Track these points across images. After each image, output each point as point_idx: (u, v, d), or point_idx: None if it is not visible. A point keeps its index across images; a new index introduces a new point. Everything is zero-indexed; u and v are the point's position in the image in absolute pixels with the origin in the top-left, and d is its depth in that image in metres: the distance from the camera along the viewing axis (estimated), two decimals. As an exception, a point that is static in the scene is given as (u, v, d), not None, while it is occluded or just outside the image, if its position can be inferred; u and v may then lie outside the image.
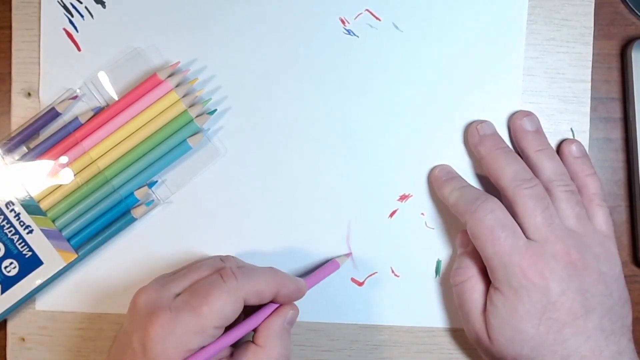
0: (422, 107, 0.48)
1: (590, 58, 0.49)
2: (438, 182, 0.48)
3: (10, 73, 0.48)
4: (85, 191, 0.46)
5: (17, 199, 0.46)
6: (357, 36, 0.48)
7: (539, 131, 0.47)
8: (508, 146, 0.47)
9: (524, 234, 0.43)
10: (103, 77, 0.47)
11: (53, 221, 0.46)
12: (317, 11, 0.48)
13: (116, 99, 0.47)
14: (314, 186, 0.48)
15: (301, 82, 0.48)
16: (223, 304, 0.40)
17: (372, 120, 0.48)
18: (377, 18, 0.48)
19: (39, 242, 0.46)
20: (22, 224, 0.46)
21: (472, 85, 0.48)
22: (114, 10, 0.48)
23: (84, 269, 0.48)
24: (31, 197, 0.46)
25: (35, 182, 0.46)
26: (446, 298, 0.49)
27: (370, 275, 0.49)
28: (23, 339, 0.48)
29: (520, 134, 0.47)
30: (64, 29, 0.48)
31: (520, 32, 0.48)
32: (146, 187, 0.47)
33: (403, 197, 0.49)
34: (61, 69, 0.48)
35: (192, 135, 0.47)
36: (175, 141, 0.46)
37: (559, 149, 0.48)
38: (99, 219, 0.47)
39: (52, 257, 0.46)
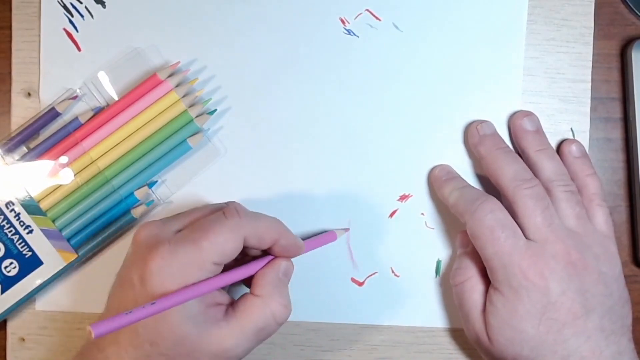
0: (422, 107, 0.48)
1: (590, 58, 0.49)
2: (438, 182, 0.48)
3: (10, 73, 0.48)
4: (85, 191, 0.46)
5: (17, 199, 0.46)
6: (357, 36, 0.48)
7: (539, 131, 0.47)
8: (508, 146, 0.47)
9: (524, 234, 0.43)
10: (103, 77, 0.47)
11: (53, 221, 0.46)
12: (317, 11, 0.48)
13: (116, 99, 0.47)
14: (314, 186, 0.48)
15: (301, 82, 0.48)
16: (224, 240, 0.40)
17: (372, 120, 0.48)
18: (377, 18, 0.48)
19: (39, 242, 0.46)
20: (22, 224, 0.46)
21: (472, 85, 0.48)
22: (114, 10, 0.48)
23: (84, 269, 0.48)
24: (31, 197, 0.46)
25: (35, 182, 0.46)
26: (446, 298, 0.49)
27: (370, 275, 0.49)
28: (23, 339, 0.48)
29: (521, 133, 0.47)
30: (64, 29, 0.48)
31: (520, 32, 0.48)
32: (146, 187, 0.47)
33: (403, 197, 0.49)
34: (61, 69, 0.48)
35: (192, 135, 0.47)
36: (175, 141, 0.46)
37: (559, 149, 0.48)
38: (99, 219, 0.47)
39: (52, 257, 0.46)
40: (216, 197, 0.48)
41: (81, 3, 0.48)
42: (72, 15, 0.48)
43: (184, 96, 0.46)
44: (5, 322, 0.48)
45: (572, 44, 0.49)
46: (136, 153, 0.46)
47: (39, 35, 0.48)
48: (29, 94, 0.48)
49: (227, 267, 0.42)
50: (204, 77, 0.48)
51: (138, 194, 0.47)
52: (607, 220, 0.46)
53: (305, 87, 0.48)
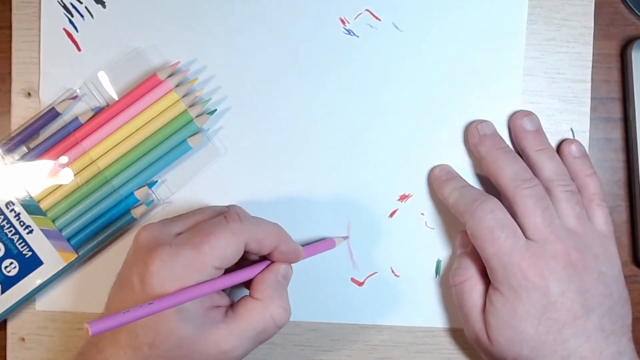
0: (422, 107, 0.48)
1: (590, 58, 0.49)
2: (438, 182, 0.48)
3: (10, 73, 0.48)
4: (85, 191, 0.46)
5: (17, 199, 0.46)
6: (357, 36, 0.48)
7: (539, 131, 0.47)
8: (508, 146, 0.47)
9: (524, 234, 0.43)
10: (103, 77, 0.47)
11: (53, 221, 0.46)
12: (317, 11, 0.48)
13: (116, 99, 0.47)
14: (314, 186, 0.48)
15: (301, 82, 0.48)
16: (225, 244, 0.40)
17: (372, 120, 0.48)
18: (377, 18, 0.48)
19: (39, 242, 0.46)
20: (22, 224, 0.46)
21: (472, 85, 0.48)
22: (114, 10, 0.48)
23: (84, 269, 0.48)
24: (31, 197, 0.46)
25: (35, 182, 0.46)
26: (446, 298, 0.49)
27: (370, 275, 0.49)
28: (23, 339, 0.48)
29: (521, 133, 0.47)
30: (64, 29, 0.48)
31: (520, 32, 0.48)
32: (146, 187, 0.47)
33: (403, 197, 0.49)
34: (61, 69, 0.48)
35: (192, 135, 0.47)
36: (175, 141, 0.46)
37: (559, 149, 0.48)
38: (99, 219, 0.47)
39: (52, 257, 0.46)
40: (216, 198, 0.48)
41: (81, 3, 0.48)
42: (72, 15, 0.48)
43: (184, 96, 0.46)
44: (5, 322, 0.48)
45: (572, 44, 0.49)
46: (136, 153, 0.46)
47: (39, 35, 0.48)
48: (29, 94, 0.48)
49: (227, 270, 0.42)
50: (204, 77, 0.48)
51: (138, 194, 0.47)
52: (607, 220, 0.46)
53: (305, 87, 0.48)
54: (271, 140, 0.48)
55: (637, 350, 0.44)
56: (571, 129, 0.49)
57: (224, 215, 0.42)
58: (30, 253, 0.46)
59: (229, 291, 0.47)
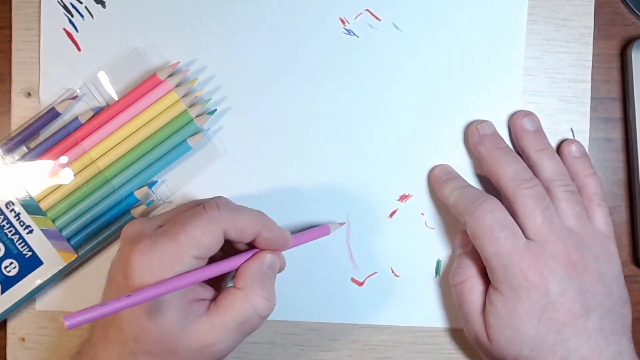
0: (422, 106, 0.48)
1: (590, 58, 0.49)
2: (438, 182, 0.48)
3: (10, 73, 0.48)
4: (85, 191, 0.46)
5: (17, 199, 0.46)
6: (357, 36, 0.48)
7: (539, 131, 0.47)
8: (508, 146, 0.47)
9: (524, 234, 0.43)
10: (103, 77, 0.47)
11: (53, 221, 0.46)
12: (317, 11, 0.48)
13: (116, 99, 0.47)
14: (313, 186, 0.48)
15: (301, 82, 0.48)
16: (201, 233, 0.39)
17: (372, 120, 0.48)
18: (377, 18, 0.48)
19: (39, 242, 0.46)
20: (22, 224, 0.46)
21: (472, 85, 0.48)
22: (114, 10, 0.48)
23: (84, 269, 0.48)
24: (31, 197, 0.46)
25: (35, 182, 0.46)
26: (446, 298, 0.49)
27: (370, 275, 0.49)
28: (23, 339, 0.48)
29: (521, 133, 0.47)
30: (64, 29, 0.48)
31: (520, 32, 0.48)
32: (146, 187, 0.47)
33: (403, 197, 0.49)
34: (61, 69, 0.48)
35: (192, 135, 0.47)
36: (175, 141, 0.46)
37: (559, 149, 0.48)
38: (99, 219, 0.47)
39: (52, 257, 0.46)
40: (216, 197, 0.48)
41: (81, 3, 0.48)
42: (72, 15, 0.48)
43: (184, 96, 0.46)
44: (5, 322, 0.48)
45: (572, 44, 0.49)
46: (136, 153, 0.46)
47: (39, 35, 0.48)
48: (29, 94, 0.48)
49: (213, 262, 0.41)
50: (204, 77, 0.48)
51: (138, 194, 0.47)
52: (607, 220, 0.46)
53: (305, 87, 0.48)
54: (271, 140, 0.48)
55: (637, 350, 0.44)
56: (571, 129, 0.49)
57: (202, 205, 0.41)
58: (30, 253, 0.46)
59: (222, 284, 0.46)
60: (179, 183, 0.48)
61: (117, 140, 0.46)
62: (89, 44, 0.48)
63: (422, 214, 0.49)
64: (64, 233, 0.46)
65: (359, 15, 0.48)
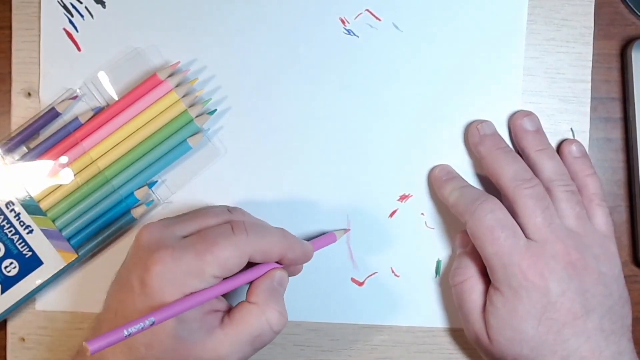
0: (422, 107, 0.48)
1: (590, 58, 0.49)
2: (438, 182, 0.48)
3: (10, 73, 0.48)
4: (85, 191, 0.46)
5: (17, 199, 0.46)
6: (357, 36, 0.48)
7: (539, 131, 0.47)
8: (508, 146, 0.47)
9: (524, 234, 0.43)
10: (103, 77, 0.47)
11: (53, 221, 0.46)
12: (317, 11, 0.48)
13: (116, 99, 0.47)
14: (313, 186, 0.48)
15: (301, 82, 0.48)
16: (228, 256, 0.40)
17: (372, 120, 0.48)
18: (377, 18, 0.48)
19: (39, 242, 0.46)
20: (22, 224, 0.46)
21: (472, 85, 0.48)
22: (114, 10, 0.48)
23: (84, 269, 0.48)
24: (31, 197, 0.46)
25: (35, 182, 0.46)
26: (446, 298, 0.49)
27: (370, 275, 0.49)
28: (23, 339, 0.48)
29: (521, 133, 0.47)
30: (64, 29, 0.48)
31: (520, 32, 0.48)
32: (146, 187, 0.47)
33: (403, 197, 0.49)
34: (61, 69, 0.48)
35: (192, 135, 0.47)
36: (175, 141, 0.46)
37: (559, 149, 0.48)
38: (99, 219, 0.47)
39: (52, 257, 0.46)
40: (216, 197, 0.48)
41: (81, 3, 0.48)
42: (72, 15, 0.48)
43: (184, 96, 0.46)
44: (5, 322, 0.48)
45: (572, 44, 0.49)
46: (136, 153, 0.46)
47: (39, 35, 0.48)
48: (29, 94, 0.48)
49: None
50: (204, 77, 0.48)
51: (138, 194, 0.47)
52: (607, 220, 0.46)
53: (305, 87, 0.48)
54: (271, 140, 0.48)
55: (637, 350, 0.44)
56: (571, 129, 0.49)
57: (230, 224, 0.42)
58: (30, 253, 0.46)
59: (230, 295, 0.47)
60: (179, 183, 0.48)
61: (117, 140, 0.46)
62: (89, 44, 0.48)
63: (422, 214, 0.49)
64: (64, 233, 0.46)
65: (359, 15, 0.48)
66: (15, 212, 0.46)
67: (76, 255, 0.47)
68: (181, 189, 0.48)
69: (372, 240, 0.49)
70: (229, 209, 0.45)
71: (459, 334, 0.49)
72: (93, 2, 0.48)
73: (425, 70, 0.48)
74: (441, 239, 0.49)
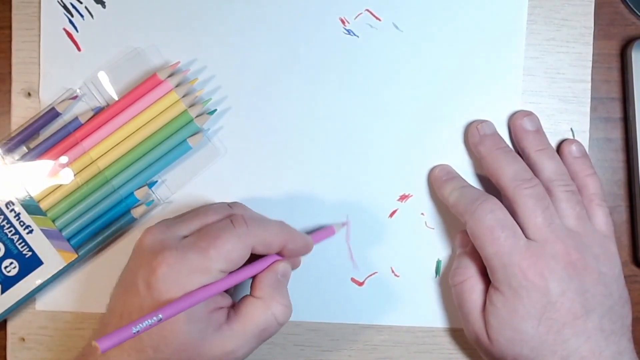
0: (422, 107, 0.48)
1: (590, 58, 0.49)
2: (438, 182, 0.48)
3: (10, 73, 0.48)
4: (85, 191, 0.46)
5: (17, 199, 0.46)
6: (357, 36, 0.48)
7: (539, 131, 0.47)
8: (508, 146, 0.47)
9: (524, 234, 0.43)
10: (103, 77, 0.47)
11: (53, 221, 0.46)
12: (317, 11, 0.48)
13: (116, 99, 0.47)
14: (313, 186, 0.48)
15: (301, 82, 0.48)
16: (231, 248, 0.40)
17: (372, 120, 0.48)
18: (377, 18, 0.48)
19: (39, 242, 0.46)
20: (22, 224, 0.46)
21: (472, 85, 0.48)
22: (114, 10, 0.48)
23: (84, 269, 0.48)
24: (31, 197, 0.46)
25: (35, 182, 0.46)
26: (446, 298, 0.49)
27: (370, 275, 0.49)
28: (23, 339, 0.48)
29: (521, 133, 0.47)
30: (64, 29, 0.48)
31: (520, 32, 0.48)
32: (146, 187, 0.47)
33: (403, 197, 0.49)
34: (61, 69, 0.48)
35: (192, 135, 0.47)
36: (175, 141, 0.46)
37: (559, 149, 0.48)
38: (99, 219, 0.47)
39: (52, 257, 0.46)
40: (216, 197, 0.48)
41: (81, 3, 0.48)
42: (72, 15, 0.48)
43: (184, 96, 0.46)
44: (5, 322, 0.48)
45: (572, 44, 0.49)
46: (136, 153, 0.46)
47: (39, 35, 0.48)
48: (29, 94, 0.48)
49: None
50: (204, 77, 0.48)
51: (138, 194, 0.47)
52: (607, 220, 0.46)
53: (305, 87, 0.48)
54: (271, 140, 0.48)
55: (637, 350, 0.44)
56: (571, 129, 0.49)
57: (230, 218, 0.42)
58: (30, 253, 0.46)
59: (233, 290, 0.47)
60: (179, 183, 0.48)
61: (117, 140, 0.46)
62: (89, 44, 0.48)
63: (422, 214, 0.49)
64: (64, 233, 0.46)
65: (359, 15, 0.48)
66: (15, 212, 0.46)
67: (76, 255, 0.47)
68: (181, 189, 0.48)
69: (372, 240, 0.49)
70: (230, 205, 0.45)
71: (459, 334, 0.49)
72: (93, 2, 0.48)
73: (425, 70, 0.48)
74: (441, 239, 0.49)
